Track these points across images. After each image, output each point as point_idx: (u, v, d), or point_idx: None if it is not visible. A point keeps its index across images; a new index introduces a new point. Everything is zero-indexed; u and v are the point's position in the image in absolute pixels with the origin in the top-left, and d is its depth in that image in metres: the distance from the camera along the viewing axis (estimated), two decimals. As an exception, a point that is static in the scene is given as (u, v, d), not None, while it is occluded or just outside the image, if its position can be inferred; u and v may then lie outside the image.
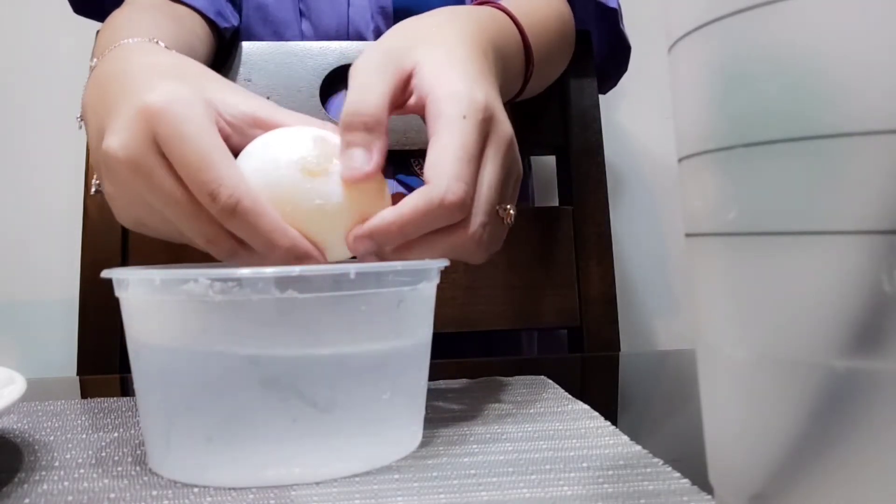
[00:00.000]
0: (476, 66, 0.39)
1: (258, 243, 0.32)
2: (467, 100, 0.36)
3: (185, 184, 0.33)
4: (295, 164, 0.34)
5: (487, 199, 0.36)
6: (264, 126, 0.37)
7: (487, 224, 0.36)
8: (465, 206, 0.34)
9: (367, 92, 0.36)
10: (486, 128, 0.36)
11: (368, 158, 0.34)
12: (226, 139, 0.35)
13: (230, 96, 0.37)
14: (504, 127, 0.38)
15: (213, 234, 0.33)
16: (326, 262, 0.34)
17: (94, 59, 0.46)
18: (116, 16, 0.58)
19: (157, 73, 0.37)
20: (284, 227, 0.33)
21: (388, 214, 0.33)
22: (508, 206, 0.39)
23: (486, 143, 0.36)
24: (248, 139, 0.36)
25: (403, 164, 0.68)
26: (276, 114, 0.37)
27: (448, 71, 0.37)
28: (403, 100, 0.38)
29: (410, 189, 0.38)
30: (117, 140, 0.33)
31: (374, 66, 0.37)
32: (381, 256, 0.35)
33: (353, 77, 0.37)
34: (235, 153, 0.35)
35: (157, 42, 0.46)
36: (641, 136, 1.02)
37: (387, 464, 0.30)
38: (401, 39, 0.40)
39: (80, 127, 0.45)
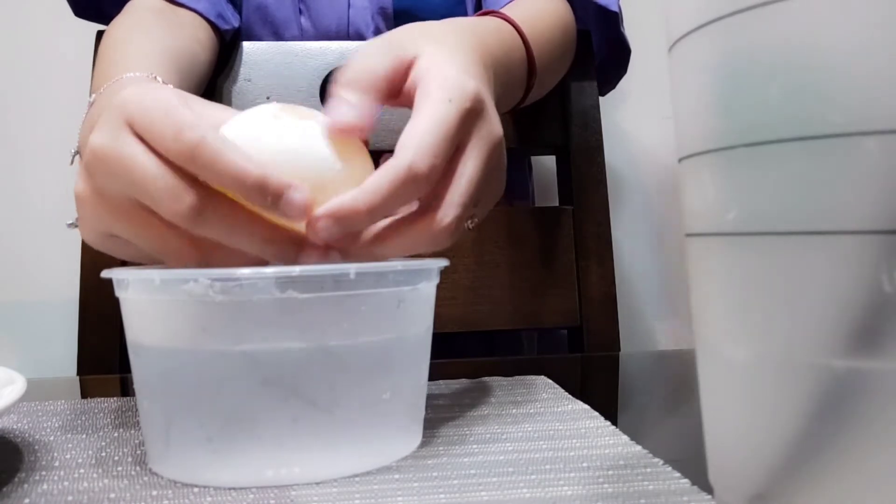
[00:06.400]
0: (475, 68, 0.39)
1: (227, 180, 0.30)
2: (457, 86, 0.35)
3: (155, 148, 0.31)
4: (266, 111, 0.33)
5: (466, 192, 0.34)
6: None
7: (462, 218, 0.34)
8: (431, 177, 0.33)
9: (365, 63, 0.36)
10: (471, 119, 0.36)
11: (353, 110, 0.34)
12: None
13: (211, 109, 0.36)
14: (493, 126, 0.37)
15: (179, 189, 0.31)
16: (308, 198, 0.31)
17: (93, 95, 0.46)
18: (115, 30, 0.58)
19: None
20: (254, 161, 0.30)
21: (353, 192, 0.32)
22: (475, 216, 0.37)
23: (469, 135, 0.36)
24: None
25: None
26: None
27: (445, 62, 0.37)
28: (401, 86, 0.38)
29: None
30: (97, 137, 0.33)
31: (377, 46, 0.37)
32: (346, 254, 0.33)
33: (355, 55, 0.37)
34: None
35: (155, 78, 0.46)
36: (641, 136, 1.02)
37: (387, 464, 0.30)
38: (406, 33, 0.40)
39: (72, 163, 0.45)
